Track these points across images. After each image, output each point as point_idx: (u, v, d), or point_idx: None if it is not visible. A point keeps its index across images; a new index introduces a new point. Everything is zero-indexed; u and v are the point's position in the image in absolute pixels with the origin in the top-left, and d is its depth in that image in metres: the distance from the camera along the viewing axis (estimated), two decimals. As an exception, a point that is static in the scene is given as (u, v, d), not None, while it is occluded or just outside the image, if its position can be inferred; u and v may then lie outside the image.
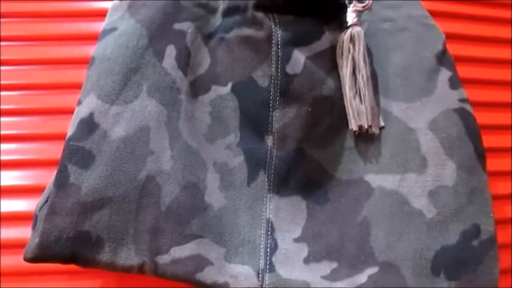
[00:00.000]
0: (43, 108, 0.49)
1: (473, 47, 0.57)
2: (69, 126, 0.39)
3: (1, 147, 0.48)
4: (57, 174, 0.38)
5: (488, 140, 0.44)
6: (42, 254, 0.36)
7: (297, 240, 0.41)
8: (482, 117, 0.45)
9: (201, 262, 0.39)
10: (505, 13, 0.59)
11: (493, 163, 0.48)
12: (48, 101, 0.49)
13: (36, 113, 0.49)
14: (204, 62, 0.44)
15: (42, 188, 0.41)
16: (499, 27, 0.58)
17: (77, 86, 0.42)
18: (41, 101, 0.49)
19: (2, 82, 0.50)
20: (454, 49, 0.48)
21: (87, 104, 0.39)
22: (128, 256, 0.38)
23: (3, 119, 0.49)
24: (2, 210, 0.46)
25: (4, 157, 0.48)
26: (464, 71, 0.47)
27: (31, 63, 0.51)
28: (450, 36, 0.49)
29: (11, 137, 0.48)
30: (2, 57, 0.50)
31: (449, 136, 0.41)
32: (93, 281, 0.45)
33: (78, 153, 0.38)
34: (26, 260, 0.37)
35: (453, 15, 0.57)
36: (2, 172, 0.47)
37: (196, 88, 0.43)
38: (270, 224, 0.41)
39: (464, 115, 0.42)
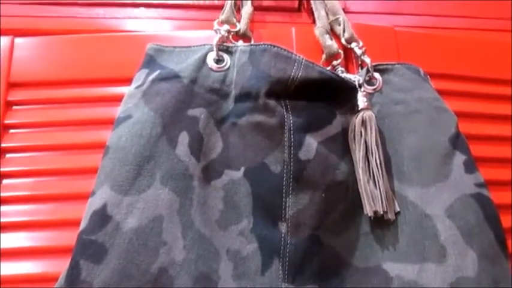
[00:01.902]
0: (57, 195, 0.49)
1: (479, 124, 0.57)
2: (83, 218, 0.39)
3: (14, 235, 0.48)
4: (68, 270, 0.37)
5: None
6: None
7: None
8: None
9: None
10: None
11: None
12: (63, 187, 0.49)
13: (50, 200, 0.49)
14: (216, 146, 0.44)
15: (55, 278, 0.40)
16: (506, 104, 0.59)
17: (92, 171, 0.43)
18: (56, 187, 0.49)
19: (16, 169, 0.50)
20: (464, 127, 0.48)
21: (100, 195, 0.39)
22: None
23: (17, 206, 0.49)
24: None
25: (17, 245, 0.47)
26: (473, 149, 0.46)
27: (46, 149, 0.51)
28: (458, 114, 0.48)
29: (25, 224, 0.48)
30: (16, 144, 0.51)
31: (468, 223, 0.40)
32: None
33: (90, 247, 0.37)
34: None
35: (461, 94, 0.58)
36: (15, 262, 0.46)
37: (209, 172, 0.43)
38: None
39: (482, 201, 0.41)
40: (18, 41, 0.55)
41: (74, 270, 0.37)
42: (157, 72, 0.45)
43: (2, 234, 0.47)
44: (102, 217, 0.38)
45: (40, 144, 0.51)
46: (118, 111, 0.44)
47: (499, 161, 0.56)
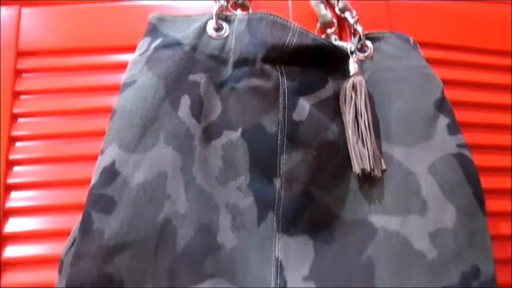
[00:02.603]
0: (66, 156, 0.52)
1: (471, 92, 0.59)
2: (93, 175, 0.42)
3: (26, 194, 0.51)
4: (81, 221, 0.40)
5: (488, 182, 0.46)
6: None
7: (305, 278, 0.43)
8: (482, 160, 0.47)
9: None
10: (501, 60, 0.62)
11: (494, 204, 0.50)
12: (71, 149, 0.52)
13: (59, 161, 0.52)
14: (216, 109, 0.47)
15: (67, 232, 0.44)
16: (496, 74, 0.61)
17: (98, 134, 0.46)
18: (64, 149, 0.53)
19: (27, 133, 0.53)
20: (453, 94, 0.50)
21: (109, 153, 0.42)
22: None
23: (29, 167, 0.52)
24: (27, 254, 0.49)
25: (29, 203, 0.51)
26: (462, 115, 0.49)
27: (55, 114, 0.54)
28: (450, 82, 0.51)
29: (35, 184, 0.52)
30: (27, 110, 0.54)
31: (449, 180, 0.44)
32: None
33: (101, 200, 0.41)
34: None
35: (453, 63, 0.60)
36: (27, 218, 0.50)
37: (209, 134, 0.46)
38: (279, 263, 0.43)
39: (462, 160, 0.44)
40: (25, 10, 0.57)
41: (86, 222, 0.40)
42: (159, 40, 0.48)
43: (15, 193, 0.51)
44: (111, 173, 0.41)
45: (49, 110, 0.54)
46: (123, 77, 0.47)
47: (492, 127, 0.58)
